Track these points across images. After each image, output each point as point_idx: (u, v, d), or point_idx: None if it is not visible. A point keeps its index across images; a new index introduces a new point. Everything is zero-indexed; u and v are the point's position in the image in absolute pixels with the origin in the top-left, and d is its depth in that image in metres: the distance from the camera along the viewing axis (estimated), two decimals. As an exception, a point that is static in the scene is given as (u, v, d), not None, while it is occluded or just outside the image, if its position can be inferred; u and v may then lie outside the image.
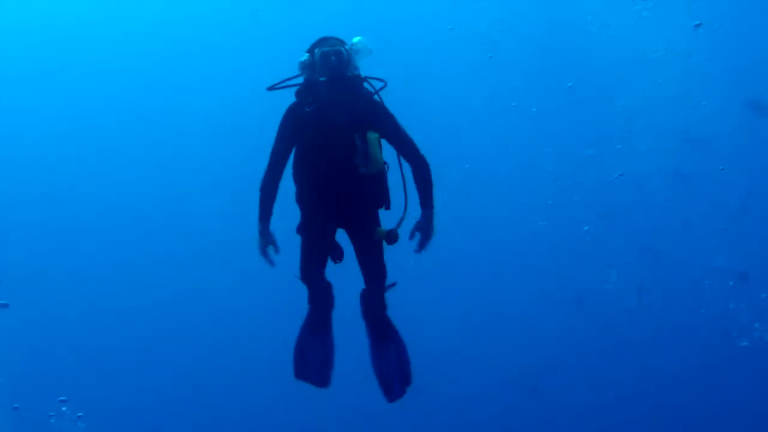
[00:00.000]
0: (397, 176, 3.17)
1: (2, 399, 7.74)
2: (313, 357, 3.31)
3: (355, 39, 2.98)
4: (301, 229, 3.17)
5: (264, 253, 3.10)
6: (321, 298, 3.31)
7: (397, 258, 3.31)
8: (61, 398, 9.14)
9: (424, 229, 3.13)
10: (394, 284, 3.34)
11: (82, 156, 11.21)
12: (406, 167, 3.21)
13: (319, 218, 3.09)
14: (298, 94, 3.03)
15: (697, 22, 9.06)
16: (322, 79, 2.90)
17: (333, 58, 2.89)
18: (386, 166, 3.08)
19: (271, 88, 3.01)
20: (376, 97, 3.03)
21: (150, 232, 10.96)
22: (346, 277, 3.33)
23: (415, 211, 3.20)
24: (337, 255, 3.13)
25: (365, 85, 3.01)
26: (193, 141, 11.02)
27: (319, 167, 2.98)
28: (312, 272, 3.22)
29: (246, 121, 8.25)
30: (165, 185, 11.18)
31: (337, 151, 2.94)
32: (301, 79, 3.03)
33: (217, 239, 10.62)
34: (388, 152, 3.13)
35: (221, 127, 10.85)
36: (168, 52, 11.27)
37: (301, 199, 3.13)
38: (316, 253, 3.18)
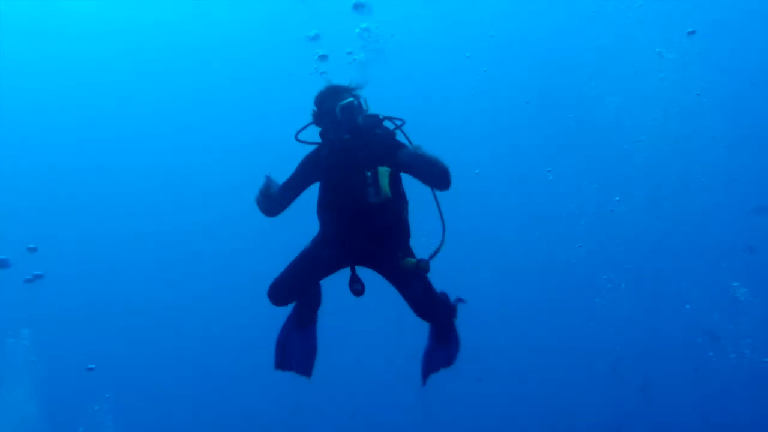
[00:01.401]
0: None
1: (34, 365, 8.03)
2: (296, 348, 3.38)
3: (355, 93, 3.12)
4: (316, 242, 3.22)
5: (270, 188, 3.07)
6: (308, 298, 3.38)
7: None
8: (90, 366, 9.48)
9: (413, 149, 3.05)
10: (464, 301, 3.39)
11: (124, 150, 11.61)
12: (440, 197, 3.22)
13: (336, 243, 3.15)
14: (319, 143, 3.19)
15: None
16: (346, 136, 3.07)
17: (354, 110, 3.06)
18: (405, 203, 3.18)
19: (298, 138, 3.18)
20: (397, 132, 3.15)
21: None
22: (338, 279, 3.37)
23: (452, 245, 3.19)
24: (358, 289, 3.16)
25: (385, 123, 3.16)
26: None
27: (337, 201, 3.12)
28: (288, 283, 3.20)
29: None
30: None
31: (353, 185, 3.07)
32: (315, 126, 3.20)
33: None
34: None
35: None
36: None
37: (323, 231, 3.23)
38: (309, 269, 3.20)
